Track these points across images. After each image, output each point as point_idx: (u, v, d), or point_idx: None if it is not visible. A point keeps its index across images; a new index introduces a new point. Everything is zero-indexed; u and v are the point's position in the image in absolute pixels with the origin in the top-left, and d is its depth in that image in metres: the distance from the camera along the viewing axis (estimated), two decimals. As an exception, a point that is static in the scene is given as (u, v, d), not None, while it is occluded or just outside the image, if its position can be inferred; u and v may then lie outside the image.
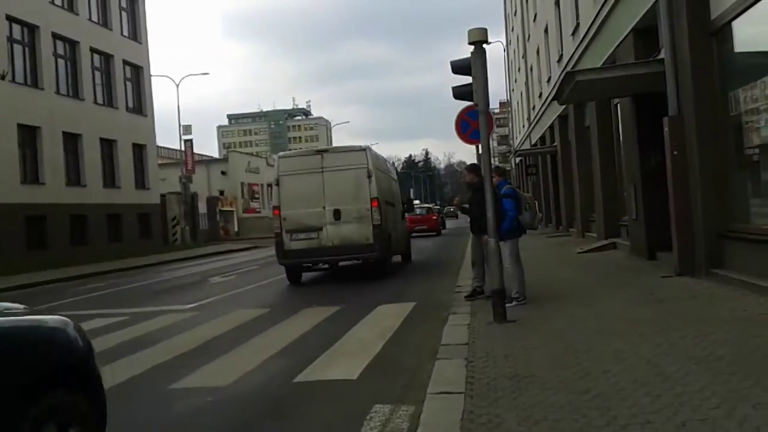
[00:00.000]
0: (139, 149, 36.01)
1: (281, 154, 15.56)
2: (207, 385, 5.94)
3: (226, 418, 5.04)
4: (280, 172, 14.24)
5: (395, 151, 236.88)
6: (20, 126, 26.69)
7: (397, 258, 17.61)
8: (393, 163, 18.18)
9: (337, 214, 13.90)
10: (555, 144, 25.25)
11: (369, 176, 13.99)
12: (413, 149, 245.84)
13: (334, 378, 5.89)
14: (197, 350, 7.67)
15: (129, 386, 6.15)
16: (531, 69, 33.35)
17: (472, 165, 9.84)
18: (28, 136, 27.48)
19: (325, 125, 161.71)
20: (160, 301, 13.06)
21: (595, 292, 9.31)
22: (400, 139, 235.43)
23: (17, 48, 27.53)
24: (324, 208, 13.92)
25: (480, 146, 10.68)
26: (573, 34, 18.83)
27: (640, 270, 11.38)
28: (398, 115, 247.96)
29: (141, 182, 36.05)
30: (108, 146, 33.16)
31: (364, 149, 14.62)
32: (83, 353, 3.61)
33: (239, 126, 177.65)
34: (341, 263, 15.33)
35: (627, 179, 13.88)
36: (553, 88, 21.19)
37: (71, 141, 30.20)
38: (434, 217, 35.66)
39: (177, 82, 49.91)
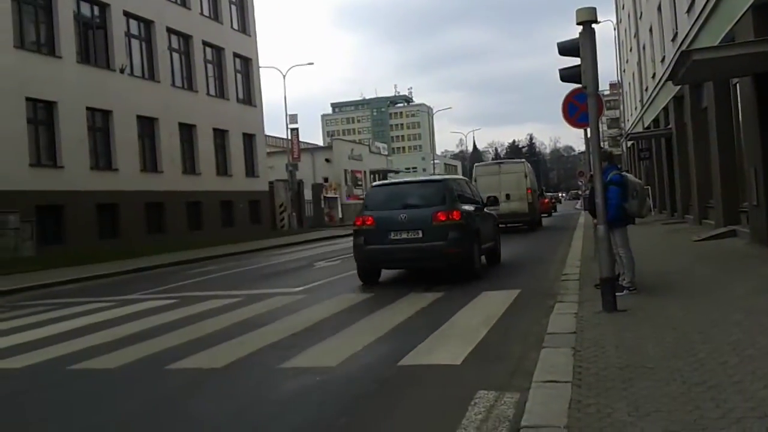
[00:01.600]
0: (249, 138, 37.28)
1: (477, 164, 28.07)
2: (316, 365, 6.13)
3: (334, 397, 5.19)
4: (476, 174, 25.84)
5: (498, 136, 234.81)
6: (139, 117, 28.21)
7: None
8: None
9: (508, 196, 24.54)
10: (669, 126, 24.20)
11: (525, 176, 25.67)
12: (517, 134, 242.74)
13: (438, 363, 5.92)
14: (305, 332, 7.90)
15: (242, 364, 6.44)
16: (643, 48, 32.00)
17: (603, 150, 9.53)
18: (147, 126, 29.01)
19: (427, 112, 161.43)
20: (269, 284, 13.54)
21: (712, 282, 8.90)
22: (504, 124, 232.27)
23: (134, 43, 29.06)
24: (500, 193, 23.67)
25: (588, 130, 10.48)
26: (688, 11, 17.92)
27: (762, 258, 10.78)
28: (501, 99, 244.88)
29: (251, 170, 37.35)
30: (220, 136, 34.51)
31: (522, 162, 28.30)
32: (496, 220, 15.35)
33: (342, 114, 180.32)
34: (509, 224, 24.63)
35: (748, 163, 13.14)
36: (667, 68, 20.31)
37: (186, 131, 31.66)
38: (546, 201, 43.37)
39: (284, 73, 51.09)
